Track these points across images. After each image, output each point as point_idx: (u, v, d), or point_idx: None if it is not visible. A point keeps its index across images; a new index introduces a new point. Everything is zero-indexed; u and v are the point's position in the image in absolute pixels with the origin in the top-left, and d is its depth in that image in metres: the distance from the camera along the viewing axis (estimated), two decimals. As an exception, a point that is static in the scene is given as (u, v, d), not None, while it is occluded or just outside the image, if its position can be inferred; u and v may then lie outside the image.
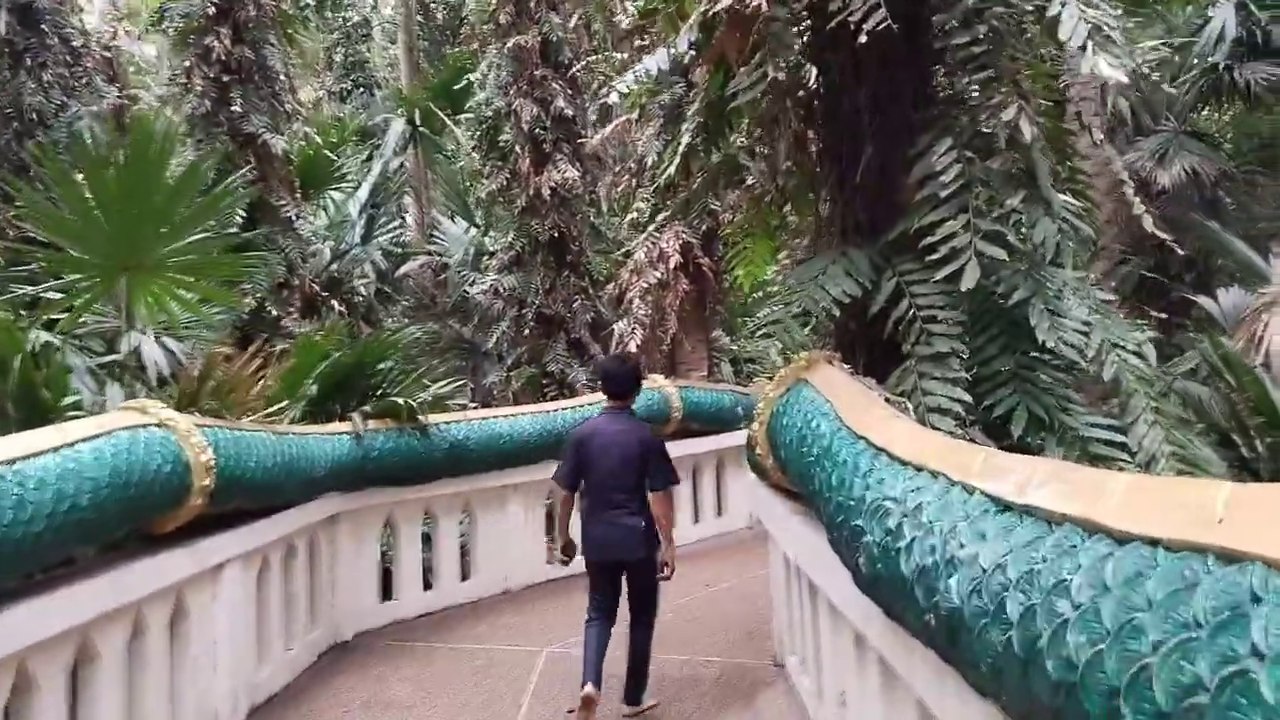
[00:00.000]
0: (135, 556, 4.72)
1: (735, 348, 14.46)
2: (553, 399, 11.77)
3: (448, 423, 7.99)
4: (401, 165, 17.22)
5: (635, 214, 10.47)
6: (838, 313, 4.43)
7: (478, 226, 14.98)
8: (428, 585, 8.25)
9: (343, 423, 7.38)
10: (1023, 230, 4.19)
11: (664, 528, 5.53)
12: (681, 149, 5.41)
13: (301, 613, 6.74)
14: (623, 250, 11.74)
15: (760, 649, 6.70)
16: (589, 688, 5.24)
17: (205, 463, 4.92)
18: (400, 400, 7.43)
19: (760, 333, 4.68)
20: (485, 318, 14.63)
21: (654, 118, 9.48)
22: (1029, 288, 4.02)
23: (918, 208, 4.29)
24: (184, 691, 5.11)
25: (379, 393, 7.97)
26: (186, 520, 5.05)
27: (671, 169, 5.66)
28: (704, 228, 10.53)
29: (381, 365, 8.38)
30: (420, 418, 7.62)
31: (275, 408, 6.50)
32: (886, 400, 3.72)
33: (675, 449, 10.55)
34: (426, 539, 8.45)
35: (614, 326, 11.01)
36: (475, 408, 8.72)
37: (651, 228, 10.31)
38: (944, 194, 4.06)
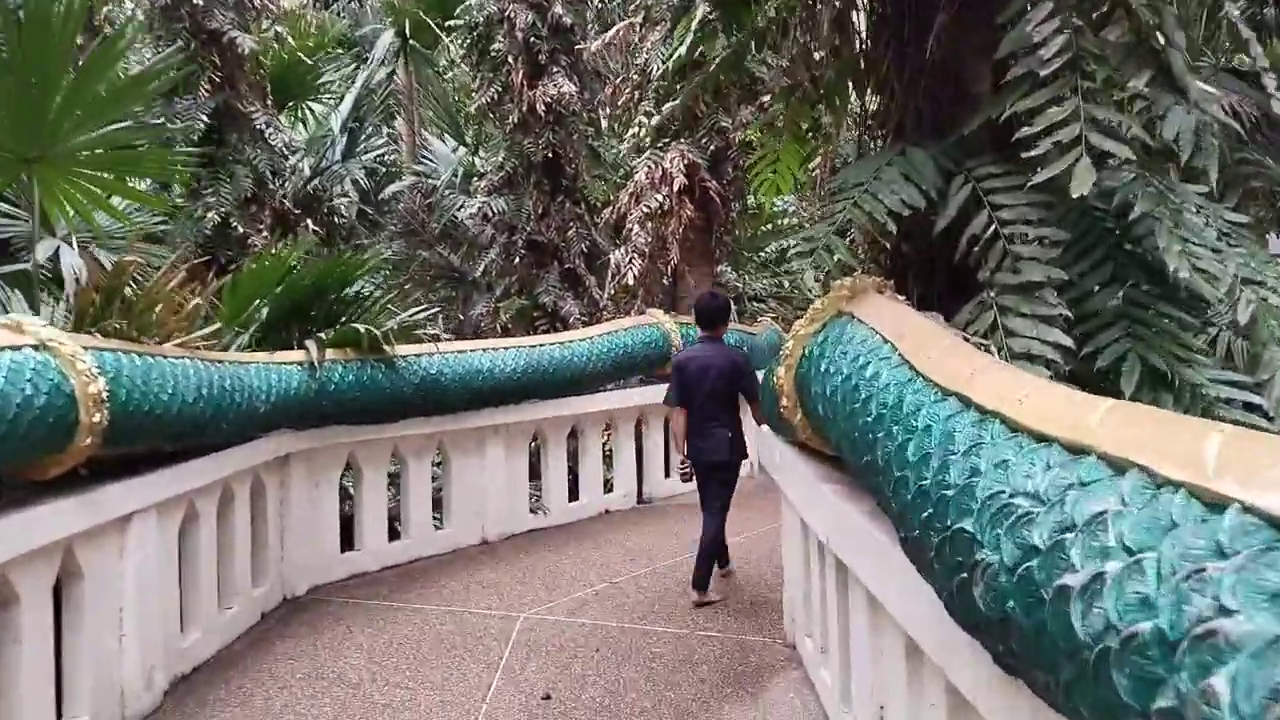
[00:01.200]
0: (3, 510, 3.75)
1: (740, 284, 13.42)
2: (544, 333, 10.83)
3: (418, 355, 6.99)
4: (390, 78, 15.97)
5: (637, 129, 9.37)
6: (894, 228, 3.41)
7: (467, 146, 13.84)
8: (396, 534, 7.33)
9: (296, 351, 6.39)
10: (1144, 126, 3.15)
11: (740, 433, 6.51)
12: (694, 25, 4.34)
13: (241, 567, 5.81)
14: (622, 173, 10.64)
15: (767, 624, 5.79)
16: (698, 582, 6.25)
17: (95, 394, 3.92)
18: (361, 328, 6.42)
19: (794, 250, 3.65)
20: (474, 244, 13.60)
21: (660, 20, 8.35)
22: (1151, 200, 3.00)
23: (1005, 92, 3.25)
24: (77, 666, 4.19)
25: (344, 320, 6.97)
26: (76, 464, 4.09)
27: (682, 50, 4.59)
28: (712, 147, 9.44)
29: (349, 289, 7.38)
30: (387, 348, 6.63)
31: (205, 330, 5.48)
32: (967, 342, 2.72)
33: (649, 394, 9.65)
34: (396, 484, 7.53)
35: (610, 256, 9.98)
36: (449, 339, 7.73)
37: (654, 147, 9.23)
38: (1044, 73, 3.03)
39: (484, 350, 7.48)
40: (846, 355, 3.02)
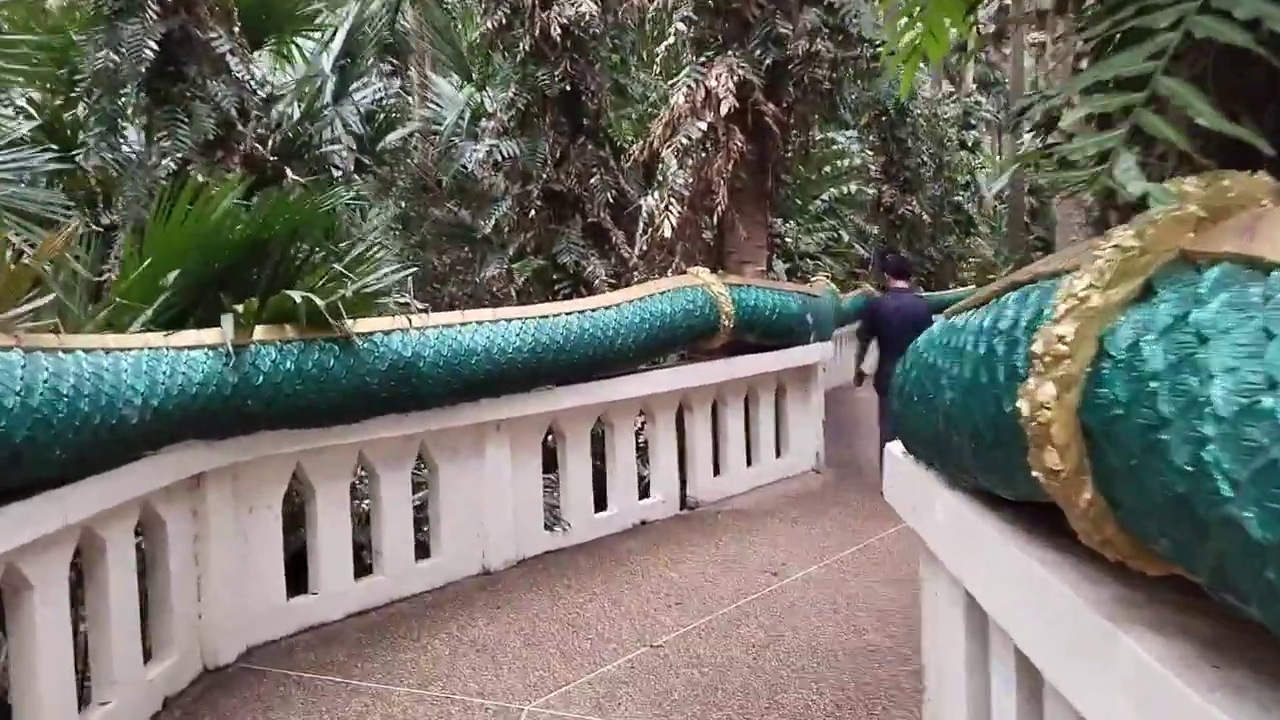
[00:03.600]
0: None
1: (791, 240, 11.36)
2: (565, 298, 8.92)
3: (387, 333, 5.05)
4: (390, 9, 13.88)
5: (672, 38, 7.31)
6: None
7: (473, 83, 11.83)
8: (366, 568, 5.45)
9: (207, 331, 4.47)
10: None
11: None
12: None
13: (121, 645, 3.94)
14: (653, 102, 8.62)
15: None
16: None
17: None
18: (296, 296, 4.47)
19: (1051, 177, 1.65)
20: (483, 196, 11.64)
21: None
22: None
23: None
24: None
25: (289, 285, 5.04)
26: None
27: None
28: (768, 61, 7.35)
29: (305, 244, 5.46)
30: (338, 323, 4.70)
31: (29, 305, 3.56)
32: None
33: (723, 370, 7.67)
34: (366, 504, 5.64)
35: (641, 202, 7.98)
36: (423, 310, 5.75)
37: (695, 63, 7.18)
38: None
39: (478, 324, 5.52)
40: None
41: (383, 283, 5.14)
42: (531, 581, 5.63)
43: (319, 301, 4.46)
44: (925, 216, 20.52)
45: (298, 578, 5.12)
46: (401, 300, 4.78)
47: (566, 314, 6.12)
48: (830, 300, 9.35)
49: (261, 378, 4.52)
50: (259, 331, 4.61)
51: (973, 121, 31.92)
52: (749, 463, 7.80)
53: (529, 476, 6.07)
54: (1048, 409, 1.63)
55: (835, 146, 11.46)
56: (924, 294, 9.46)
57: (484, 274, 10.87)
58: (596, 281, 9.79)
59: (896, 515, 6.90)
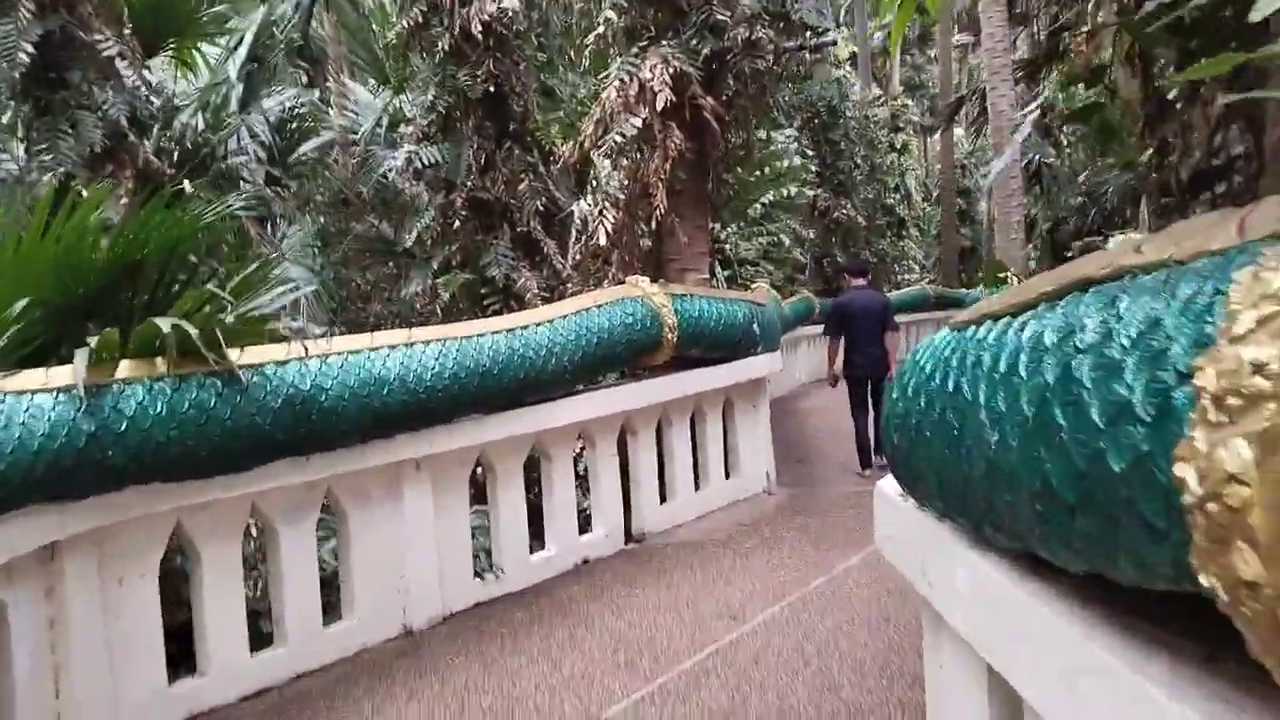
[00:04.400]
0: None
1: (730, 246, 10.78)
2: (495, 313, 8.23)
3: (281, 364, 4.30)
4: (302, 10, 12.99)
5: (602, 27, 6.65)
6: None
7: (389, 86, 11.07)
8: (264, 640, 4.68)
9: (57, 370, 3.69)
10: None
11: (892, 354, 8.46)
12: None
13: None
14: (586, 95, 7.96)
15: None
16: (865, 468, 8.49)
17: None
18: (165, 324, 3.70)
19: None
20: (405, 208, 10.87)
21: None
22: None
23: None
24: None
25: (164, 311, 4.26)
26: None
27: None
28: (705, 51, 6.72)
29: (186, 264, 4.69)
30: (224, 354, 3.94)
31: None
32: None
33: (669, 388, 7.02)
34: (265, 561, 4.87)
35: (574, 208, 7.31)
36: (323, 335, 4.93)
37: (626, 56, 6.54)
38: None
39: (390, 349, 4.78)
40: None
41: (275, 305, 4.38)
42: (460, 643, 4.90)
43: (190, 329, 3.69)
44: (860, 219, 20.18)
45: (183, 656, 4.34)
46: (295, 325, 4.03)
47: (493, 333, 5.41)
48: (775, 308, 8.78)
49: (126, 423, 3.75)
50: (123, 368, 3.84)
51: (900, 124, 31.87)
52: (697, 487, 7.16)
53: (455, 519, 5.34)
54: (1241, 483, 0.99)
55: (774, 147, 10.92)
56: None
57: (407, 291, 10.10)
58: (529, 295, 9.09)
59: (858, 541, 6.28)
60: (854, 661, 4.43)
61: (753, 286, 10.72)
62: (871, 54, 32.70)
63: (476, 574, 5.47)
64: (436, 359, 4.93)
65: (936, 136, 39.27)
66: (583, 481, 6.41)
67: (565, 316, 5.89)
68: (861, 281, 9.01)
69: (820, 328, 17.33)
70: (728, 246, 11.10)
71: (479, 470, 5.78)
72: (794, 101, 16.96)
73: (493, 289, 9.41)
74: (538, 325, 5.70)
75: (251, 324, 4.14)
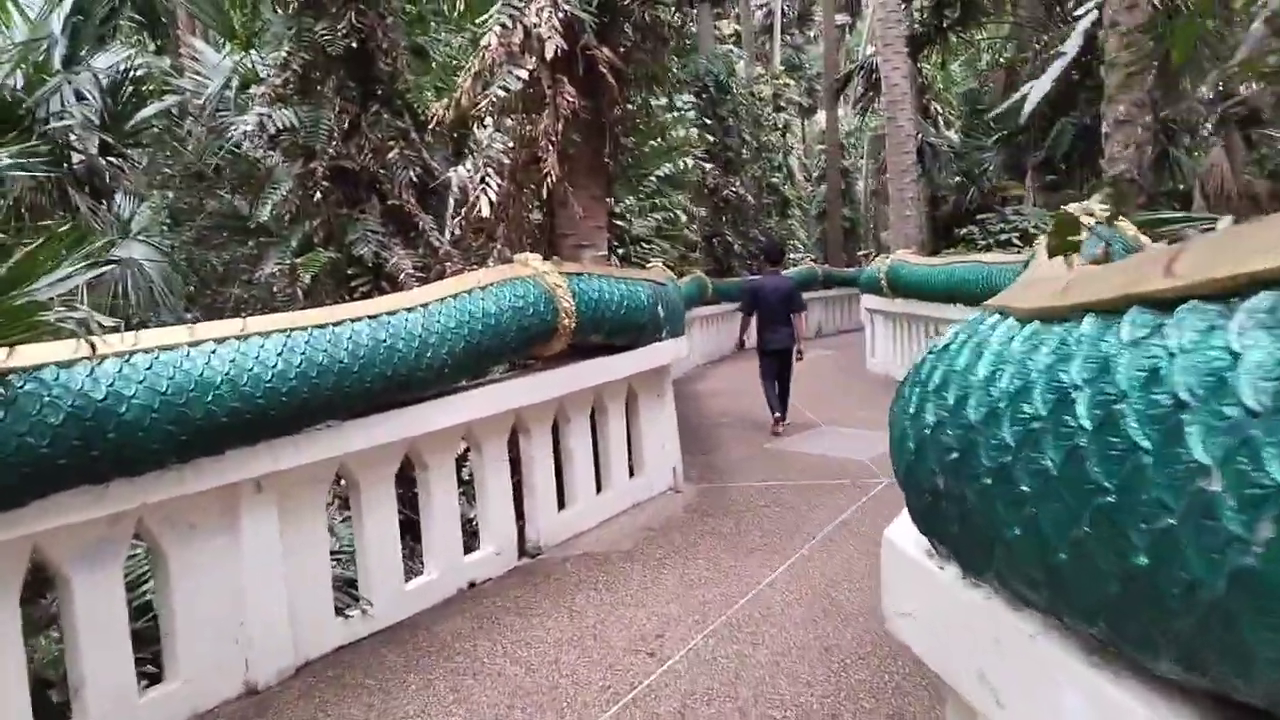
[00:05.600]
0: None
1: (627, 220, 9.92)
2: (364, 296, 7.24)
3: (66, 365, 3.24)
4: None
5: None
6: None
7: (236, 41, 9.78)
8: (54, 714, 3.60)
9: None
10: None
11: (799, 331, 9.30)
12: None
13: None
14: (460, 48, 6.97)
15: None
16: (777, 414, 9.30)
17: None
18: None
19: None
20: (262, 179, 9.61)
21: None
22: None
23: None
24: None
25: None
26: None
27: None
28: (603, -8, 5.82)
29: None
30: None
31: None
32: None
33: (567, 380, 6.12)
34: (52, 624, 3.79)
35: (450, 174, 6.33)
36: (113, 328, 3.83)
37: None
38: None
39: (217, 343, 3.75)
40: None
41: (54, 290, 3.30)
42: (316, 704, 3.91)
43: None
44: (750, 198, 19.62)
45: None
46: (76, 316, 2.99)
47: (353, 321, 4.41)
48: (676, 289, 7.96)
49: None
50: None
51: (783, 104, 31.58)
52: (599, 489, 6.30)
53: (309, 548, 4.33)
54: None
55: (675, 114, 10.12)
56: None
57: (262, 273, 8.89)
58: (402, 276, 8.07)
59: (779, 546, 5.51)
60: (797, 709, 3.66)
61: (648, 266, 9.89)
62: (754, 33, 32.26)
63: (339, 611, 4.49)
64: (279, 355, 3.92)
65: (817, 117, 39.26)
66: (469, 490, 5.47)
67: (443, 300, 4.92)
68: (774, 268, 9.85)
69: (712, 308, 16.82)
70: (624, 222, 10.21)
71: (342, 482, 4.78)
72: (682, 76, 16.19)
73: (361, 269, 8.36)
74: (409, 311, 4.72)
75: (17, 315, 3.07)
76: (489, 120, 5.71)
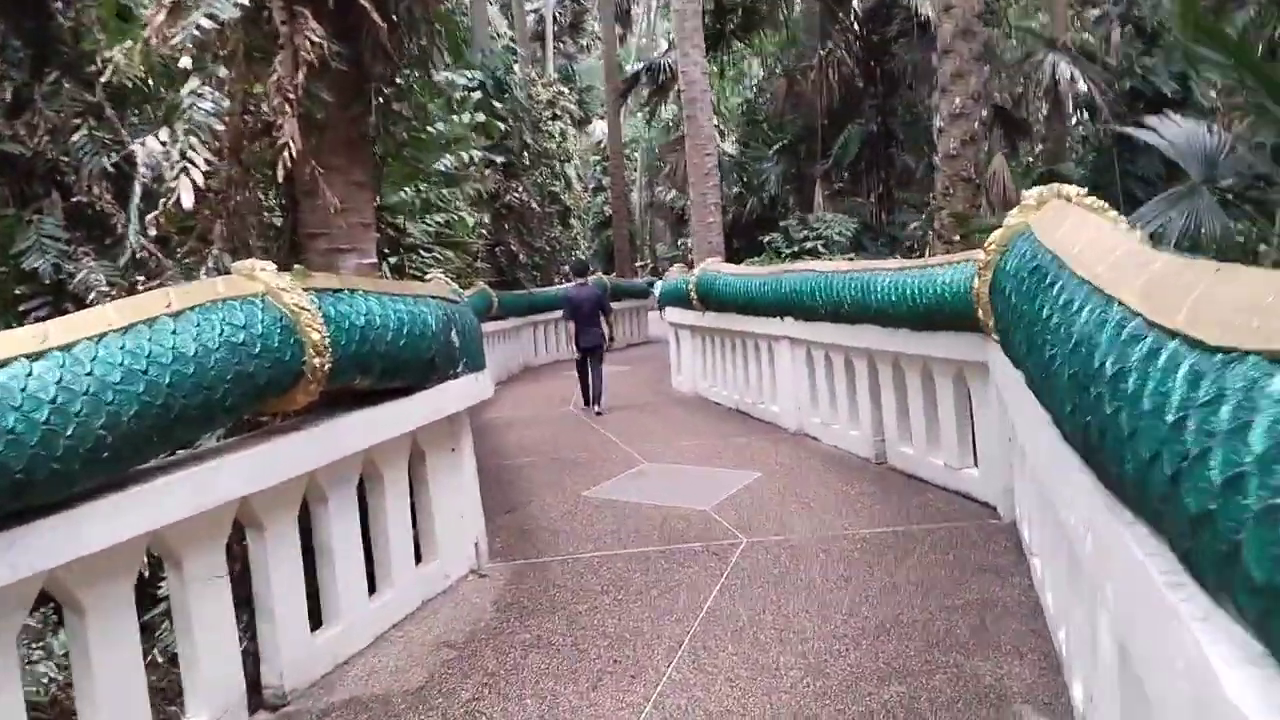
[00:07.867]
0: None
1: (401, 221, 8.01)
2: (42, 318, 5.19)
3: None
4: None
5: None
6: None
7: None
8: None
9: None
10: None
11: (609, 328, 11.32)
12: None
13: None
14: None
15: None
16: (593, 407, 10.84)
17: None
18: None
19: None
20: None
21: None
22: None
23: None
24: None
25: None
26: None
27: None
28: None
29: None
30: None
31: None
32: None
33: (316, 448, 4.07)
34: None
35: (135, 147, 4.28)
36: None
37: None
38: None
39: None
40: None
41: None
42: None
43: None
44: (534, 205, 17.97)
45: None
46: None
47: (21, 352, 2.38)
48: (469, 309, 6.14)
49: None
50: None
51: (558, 111, 30.21)
52: (373, 589, 4.41)
53: None
54: None
55: (458, 93, 8.31)
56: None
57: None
58: (92, 295, 5.94)
59: (639, 666, 3.86)
60: None
61: (427, 277, 7.98)
62: (526, 37, 30.64)
63: None
64: None
65: (590, 128, 38.20)
66: (154, 625, 3.46)
67: (100, 339, 2.92)
68: (582, 280, 11.86)
69: (499, 323, 15.09)
70: (396, 221, 8.26)
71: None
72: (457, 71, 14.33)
73: (36, 287, 6.19)
74: (33, 358, 2.70)
75: None
76: (189, 61, 3.72)
